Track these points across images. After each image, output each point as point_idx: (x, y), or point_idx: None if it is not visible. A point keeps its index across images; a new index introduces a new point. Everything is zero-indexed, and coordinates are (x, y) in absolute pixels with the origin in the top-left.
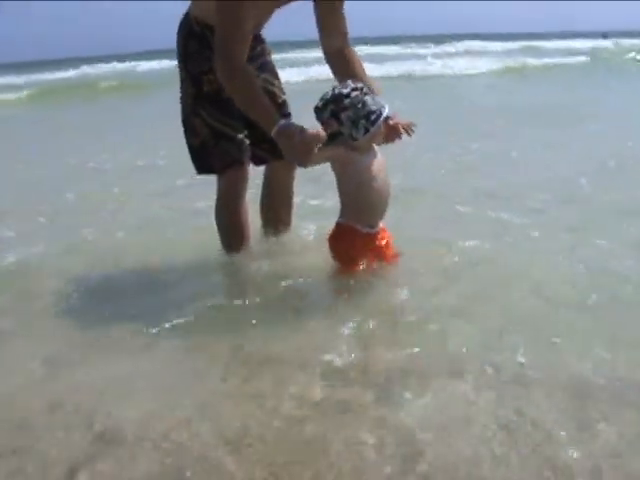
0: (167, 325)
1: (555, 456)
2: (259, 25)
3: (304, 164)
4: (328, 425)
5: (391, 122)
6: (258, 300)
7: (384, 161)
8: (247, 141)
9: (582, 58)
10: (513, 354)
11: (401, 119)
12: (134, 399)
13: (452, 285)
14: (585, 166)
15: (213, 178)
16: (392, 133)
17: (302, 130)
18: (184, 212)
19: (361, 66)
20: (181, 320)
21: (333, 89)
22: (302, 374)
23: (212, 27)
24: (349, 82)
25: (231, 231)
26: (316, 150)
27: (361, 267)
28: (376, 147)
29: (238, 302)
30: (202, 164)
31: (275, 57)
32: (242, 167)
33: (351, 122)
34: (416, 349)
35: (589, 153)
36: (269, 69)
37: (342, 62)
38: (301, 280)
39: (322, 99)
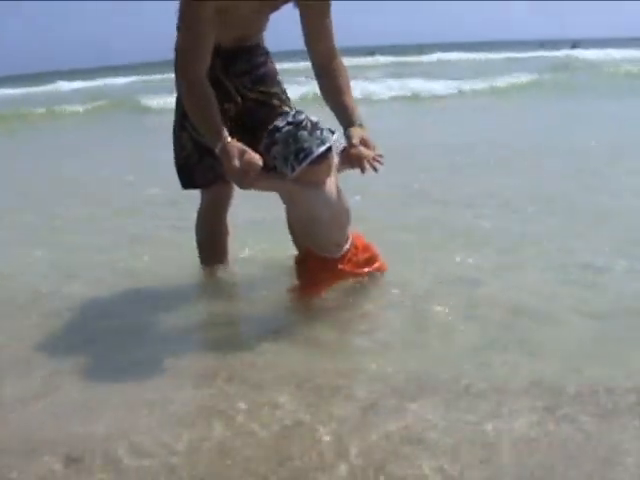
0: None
1: None
2: (247, 36)
3: (241, 187)
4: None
5: (353, 151)
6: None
7: (337, 189)
8: None
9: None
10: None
11: (363, 151)
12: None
13: (426, 303)
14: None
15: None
16: (353, 162)
17: (242, 153)
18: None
19: (346, 81)
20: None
21: (278, 119)
22: (279, 394)
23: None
24: (291, 113)
25: (210, 246)
26: (252, 176)
27: (322, 293)
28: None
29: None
30: (186, 179)
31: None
32: (226, 183)
33: (281, 157)
34: (389, 369)
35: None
36: (268, 81)
37: (327, 76)
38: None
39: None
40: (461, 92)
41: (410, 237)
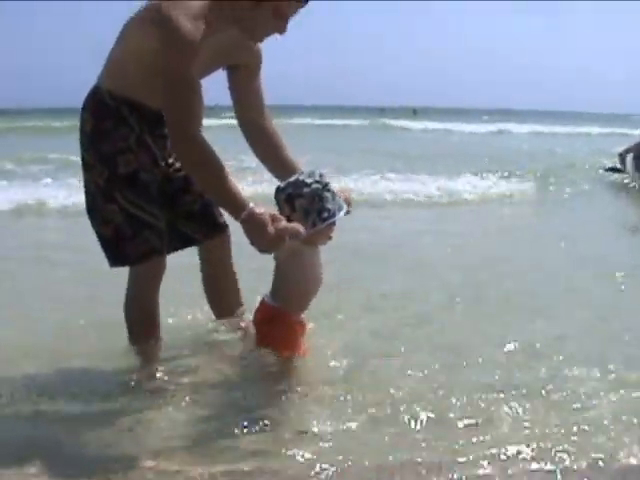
0: None
1: None
2: None
3: (264, 252)
4: None
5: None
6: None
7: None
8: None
9: None
10: None
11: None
12: None
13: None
14: None
15: None
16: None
17: (274, 219)
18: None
19: (282, 142)
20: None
21: (298, 174)
22: None
23: (132, 102)
24: (316, 173)
25: (144, 324)
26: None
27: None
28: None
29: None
30: (116, 255)
31: None
32: (161, 257)
33: (303, 211)
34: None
35: None
36: None
37: (263, 135)
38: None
39: (285, 182)
40: None
41: None
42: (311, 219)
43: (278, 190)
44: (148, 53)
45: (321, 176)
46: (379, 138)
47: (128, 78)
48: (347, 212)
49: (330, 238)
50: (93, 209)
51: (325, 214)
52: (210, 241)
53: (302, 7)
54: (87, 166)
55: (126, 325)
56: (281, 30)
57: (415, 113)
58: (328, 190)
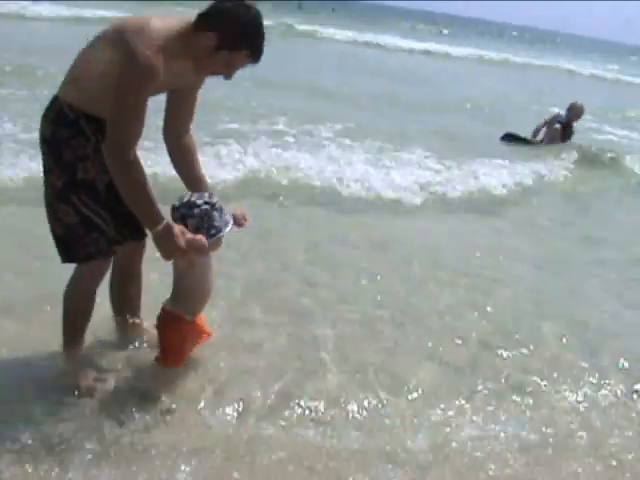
0: None
1: None
2: None
3: (169, 260)
4: None
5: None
6: None
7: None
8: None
9: None
10: None
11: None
12: None
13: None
14: None
15: None
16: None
17: (183, 233)
18: None
19: (197, 159)
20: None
21: (190, 195)
22: None
23: (91, 116)
24: (205, 195)
25: (78, 321)
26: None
27: (185, 360)
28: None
29: None
30: (68, 252)
31: None
32: (107, 259)
33: (194, 229)
34: None
35: None
36: None
37: (181, 154)
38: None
39: (179, 200)
40: None
41: None
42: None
43: (173, 209)
44: (108, 75)
45: (210, 196)
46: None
47: (87, 94)
48: (233, 226)
49: (220, 246)
50: (48, 207)
51: (213, 231)
52: (130, 243)
53: (254, 64)
54: (46, 169)
55: (62, 312)
56: (228, 76)
57: (300, 7)
58: (216, 209)
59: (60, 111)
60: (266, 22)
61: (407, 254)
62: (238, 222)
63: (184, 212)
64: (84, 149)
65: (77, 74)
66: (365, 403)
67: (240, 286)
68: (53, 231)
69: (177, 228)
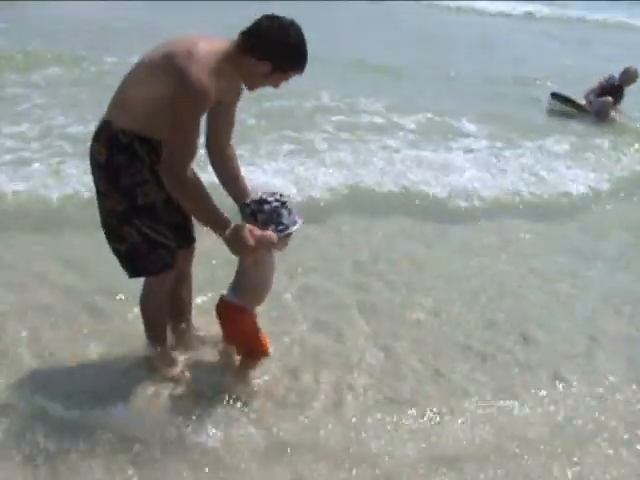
0: None
1: None
2: None
3: (241, 256)
4: None
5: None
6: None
7: None
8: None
9: None
10: None
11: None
12: None
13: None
14: None
15: None
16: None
17: (252, 232)
18: None
19: (239, 170)
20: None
21: (262, 194)
22: None
23: (143, 138)
24: (277, 193)
25: (159, 325)
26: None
27: (269, 347)
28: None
29: None
30: (135, 268)
31: None
32: (173, 269)
33: (263, 224)
34: None
35: None
36: None
37: (226, 167)
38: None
39: (250, 199)
40: None
41: None
42: (269, 230)
43: (243, 206)
44: (161, 98)
45: (281, 195)
46: None
47: (140, 118)
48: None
49: (287, 245)
50: (108, 228)
51: (281, 227)
52: (180, 250)
53: (300, 75)
54: (101, 193)
55: (143, 322)
56: (276, 87)
57: None
58: (285, 207)
59: (113, 136)
60: None
61: None
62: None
63: (254, 208)
64: (141, 174)
65: (127, 99)
66: None
67: None
68: (116, 249)
69: (246, 228)
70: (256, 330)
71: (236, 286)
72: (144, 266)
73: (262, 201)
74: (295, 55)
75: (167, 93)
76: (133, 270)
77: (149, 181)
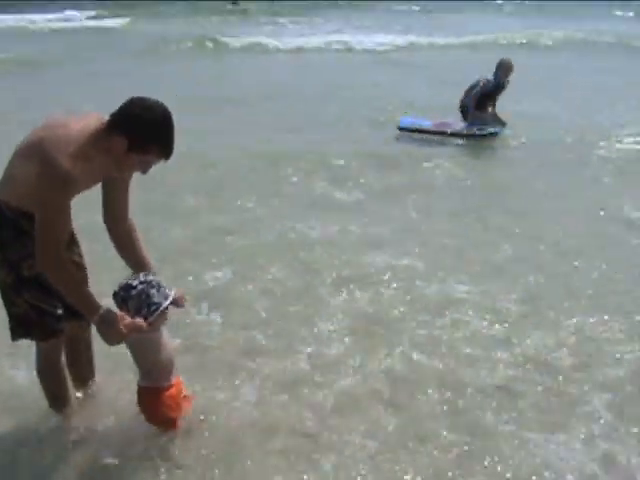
0: None
1: None
2: None
3: (112, 345)
4: None
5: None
6: None
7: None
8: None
9: None
10: None
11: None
12: None
13: None
14: None
15: None
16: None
17: (122, 318)
18: None
19: (138, 242)
20: None
21: (127, 279)
22: None
23: (27, 214)
24: (140, 275)
25: (58, 389)
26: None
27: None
28: None
29: None
30: (24, 332)
31: None
32: (61, 334)
33: (134, 310)
34: None
35: None
36: (77, 241)
37: (124, 240)
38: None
39: (118, 285)
40: None
41: None
42: (143, 314)
43: (114, 294)
44: (36, 177)
45: (146, 275)
46: None
47: (22, 194)
48: (173, 299)
49: (166, 319)
50: (1, 291)
51: (154, 307)
52: (73, 319)
53: (166, 160)
54: None
55: (42, 388)
56: (144, 172)
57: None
58: (152, 286)
59: (1, 212)
60: None
61: None
62: (177, 303)
63: (123, 295)
64: (26, 248)
65: (12, 174)
66: None
67: None
68: (8, 311)
69: (115, 314)
70: (178, 401)
71: (139, 371)
72: (34, 332)
73: (128, 287)
74: (153, 134)
75: (36, 177)
76: (23, 333)
77: (33, 256)
